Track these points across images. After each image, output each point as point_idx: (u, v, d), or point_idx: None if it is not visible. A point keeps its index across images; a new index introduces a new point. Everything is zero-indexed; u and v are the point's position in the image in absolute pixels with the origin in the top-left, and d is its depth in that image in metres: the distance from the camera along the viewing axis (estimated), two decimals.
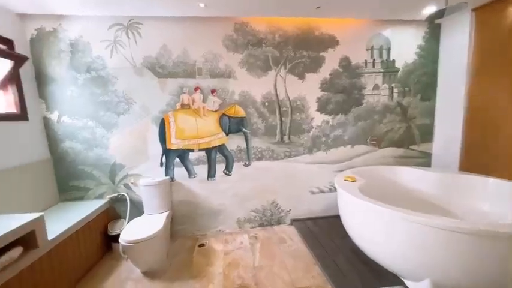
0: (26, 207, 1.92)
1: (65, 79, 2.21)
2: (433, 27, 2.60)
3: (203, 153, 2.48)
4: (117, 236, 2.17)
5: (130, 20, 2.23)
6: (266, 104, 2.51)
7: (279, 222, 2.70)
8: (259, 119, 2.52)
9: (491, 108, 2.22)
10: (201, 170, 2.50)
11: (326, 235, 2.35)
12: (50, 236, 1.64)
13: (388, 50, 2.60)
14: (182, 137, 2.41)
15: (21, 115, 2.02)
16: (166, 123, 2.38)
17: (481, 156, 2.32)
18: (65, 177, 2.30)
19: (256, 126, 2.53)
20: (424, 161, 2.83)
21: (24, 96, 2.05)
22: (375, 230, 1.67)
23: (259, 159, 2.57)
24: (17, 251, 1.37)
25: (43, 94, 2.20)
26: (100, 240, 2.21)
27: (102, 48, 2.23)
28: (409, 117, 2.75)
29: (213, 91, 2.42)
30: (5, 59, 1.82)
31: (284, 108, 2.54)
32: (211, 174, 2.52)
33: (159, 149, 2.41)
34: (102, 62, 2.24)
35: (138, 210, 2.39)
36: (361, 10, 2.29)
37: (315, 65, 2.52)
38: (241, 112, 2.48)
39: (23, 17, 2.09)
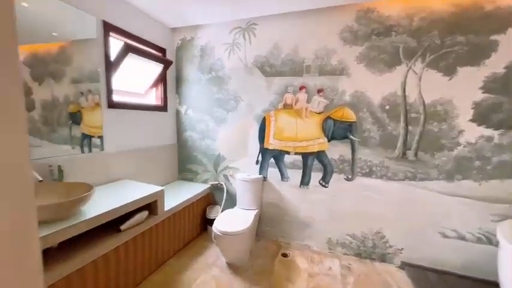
0: (156, 179, 2.44)
1: (193, 79, 2.64)
2: None
3: (299, 157, 2.29)
4: (213, 220, 2.38)
5: (248, 22, 2.34)
6: (387, 107, 1.98)
7: (382, 259, 2.10)
8: (374, 126, 2.03)
9: None
10: (294, 175, 2.32)
11: None
12: (167, 207, 1.96)
13: None
14: (280, 137, 2.32)
15: (163, 107, 2.57)
16: (267, 122, 2.36)
17: None
18: (183, 160, 2.78)
19: (368, 134, 2.05)
20: None
21: (167, 93, 2.60)
22: None
23: (366, 174, 2.08)
24: (144, 214, 1.70)
25: (178, 91, 2.72)
26: (199, 220, 2.50)
27: (223, 51, 2.48)
28: None
29: (319, 91, 2.16)
30: (159, 63, 2.34)
31: (414, 115, 1.91)
32: (304, 181, 2.29)
33: (257, 147, 2.43)
34: (221, 63, 2.50)
35: (232, 201, 2.53)
36: None
37: (478, 54, 1.72)
38: (350, 116, 2.08)
39: (173, 30, 2.65)
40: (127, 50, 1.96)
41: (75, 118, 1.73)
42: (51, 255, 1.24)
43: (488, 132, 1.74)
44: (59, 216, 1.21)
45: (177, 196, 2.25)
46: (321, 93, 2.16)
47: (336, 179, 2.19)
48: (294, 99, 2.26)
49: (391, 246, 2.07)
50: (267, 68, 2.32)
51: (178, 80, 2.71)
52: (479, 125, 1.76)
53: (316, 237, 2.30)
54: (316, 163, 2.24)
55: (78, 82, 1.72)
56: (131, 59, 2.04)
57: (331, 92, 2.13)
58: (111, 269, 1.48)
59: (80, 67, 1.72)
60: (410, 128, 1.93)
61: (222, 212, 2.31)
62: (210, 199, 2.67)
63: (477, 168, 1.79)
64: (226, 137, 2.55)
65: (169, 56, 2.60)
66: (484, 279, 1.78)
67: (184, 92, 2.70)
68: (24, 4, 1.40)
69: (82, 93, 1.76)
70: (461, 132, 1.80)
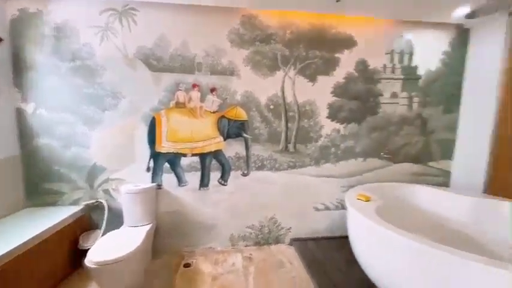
0: None
1: (45, 67, 1.96)
2: (461, 32, 2.34)
3: (196, 159, 2.19)
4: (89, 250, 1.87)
5: (125, 6, 1.99)
6: (271, 107, 2.24)
7: (277, 241, 2.38)
8: (262, 124, 2.25)
9: None
10: (193, 178, 2.21)
11: (332, 260, 2.03)
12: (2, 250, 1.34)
13: (410, 54, 2.34)
14: (174, 139, 2.13)
15: None
16: (157, 122, 2.10)
17: None
18: (35, 179, 2.02)
19: (258, 131, 2.25)
20: (443, 180, 2.53)
21: None
22: (396, 263, 1.37)
23: (259, 168, 2.28)
24: None
25: (18, 82, 1.94)
26: (69, 253, 1.90)
27: (91, 35, 1.98)
28: (429, 131, 2.46)
29: (212, 90, 2.15)
30: None
31: (291, 113, 2.26)
32: (204, 183, 2.22)
33: (147, 151, 2.12)
34: (89, 50, 1.99)
35: (117, 220, 2.08)
36: (385, 8, 2.04)
37: (328, 67, 2.26)
38: (242, 115, 2.20)
39: None
40: None
41: None
42: None
43: (337, 126, 2.33)
44: None
45: (23, 232, 1.59)
46: (214, 92, 2.15)
47: (234, 176, 2.26)
48: (187, 98, 2.13)
49: (282, 228, 2.37)
50: (154, 62, 2.06)
51: (18, 67, 1.93)
52: (332, 120, 2.32)
53: (220, 237, 2.30)
54: (214, 163, 2.23)
55: None
56: None
57: (224, 92, 2.17)
58: None
59: None
60: (289, 124, 2.28)
61: (103, 236, 1.85)
62: (85, 223, 2.09)
63: (332, 153, 2.35)
64: (104, 142, 2.07)
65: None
66: (343, 235, 2.37)
67: (29, 84, 1.95)
68: None
69: None
70: (322, 126, 2.31)
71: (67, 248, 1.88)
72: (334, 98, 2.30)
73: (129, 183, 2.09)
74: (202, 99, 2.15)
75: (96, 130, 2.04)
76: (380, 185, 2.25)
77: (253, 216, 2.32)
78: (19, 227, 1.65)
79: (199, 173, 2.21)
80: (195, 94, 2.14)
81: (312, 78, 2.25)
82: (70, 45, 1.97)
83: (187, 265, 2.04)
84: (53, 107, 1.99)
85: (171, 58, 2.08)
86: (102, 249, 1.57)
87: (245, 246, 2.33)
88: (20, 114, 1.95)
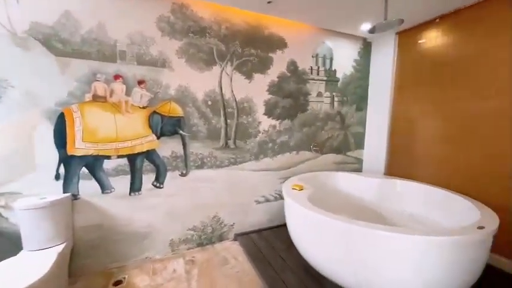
0: None
1: None
2: (366, 44, 2.85)
3: (124, 160, 1.92)
4: None
5: None
6: (209, 103, 2.17)
7: (221, 238, 2.36)
8: (200, 120, 2.16)
9: (409, 118, 2.54)
10: (121, 183, 1.93)
11: (273, 249, 2.16)
12: None
13: (331, 59, 2.70)
14: (93, 139, 1.80)
15: None
16: (67, 119, 1.72)
17: (403, 161, 2.63)
18: None
19: (196, 128, 2.15)
20: (357, 166, 3.06)
21: None
22: (322, 241, 1.58)
23: (199, 167, 2.19)
24: None
25: None
26: None
27: None
28: (346, 125, 2.92)
29: (140, 82, 1.91)
30: None
31: (230, 110, 2.26)
32: (135, 187, 1.97)
33: (55, 155, 1.72)
34: None
35: (13, 245, 1.61)
36: (309, 15, 2.27)
37: (263, 65, 2.35)
38: (178, 111, 2.06)
39: None
40: None
41: None
42: None
43: (273, 122, 2.48)
44: None
45: None
46: (142, 85, 1.92)
47: (171, 177, 2.10)
48: (108, 90, 1.83)
49: (225, 225, 2.37)
50: (57, 44, 1.67)
51: None
52: (268, 117, 2.44)
53: (157, 244, 2.10)
54: (147, 164, 2.00)
55: None
56: None
57: (155, 85, 1.97)
58: None
59: None
60: (228, 121, 2.27)
61: None
62: None
63: (270, 148, 2.49)
64: None
65: None
66: (280, 224, 2.55)
67: None
68: None
69: None
70: (260, 123, 2.41)
71: None
72: (270, 96, 2.43)
73: (28, 196, 1.64)
74: (127, 92, 1.89)
75: None
76: (311, 175, 2.53)
77: (194, 217, 2.22)
78: None
79: (129, 177, 1.95)
80: (119, 86, 1.86)
81: (249, 76, 2.30)
82: None
83: (117, 283, 1.78)
84: None
85: (83, 42, 1.73)
86: None
87: (187, 249, 2.21)
88: None
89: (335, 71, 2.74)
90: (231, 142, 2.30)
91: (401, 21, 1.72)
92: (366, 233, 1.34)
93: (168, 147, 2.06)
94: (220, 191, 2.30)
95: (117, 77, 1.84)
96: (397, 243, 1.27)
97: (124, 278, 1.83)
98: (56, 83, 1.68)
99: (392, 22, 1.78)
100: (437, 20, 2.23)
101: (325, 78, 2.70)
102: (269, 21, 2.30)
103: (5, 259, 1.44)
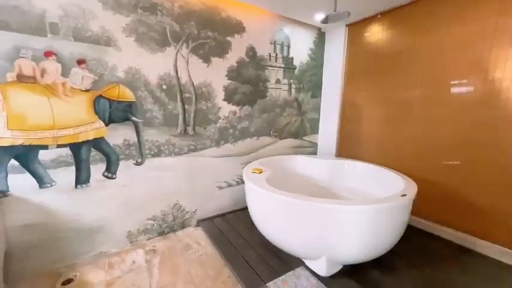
0: None
1: None
2: (321, 34, 3.01)
3: (66, 150, 1.72)
4: None
5: None
6: (164, 87, 2.05)
7: (183, 225, 2.35)
8: (155, 106, 2.03)
9: (357, 105, 2.83)
10: (63, 175, 1.73)
11: (235, 231, 2.25)
12: None
13: (288, 47, 2.78)
14: (21, 127, 1.55)
15: None
16: None
17: (351, 143, 2.94)
18: None
19: (151, 114, 2.02)
20: (313, 150, 3.31)
21: None
22: (279, 219, 1.71)
23: (156, 155, 2.09)
24: None
25: None
26: None
27: None
28: (302, 112, 3.10)
29: (80, 62, 1.69)
30: None
31: (187, 95, 2.18)
32: (81, 179, 1.80)
33: None
34: None
35: None
36: (269, 1, 2.27)
37: (221, 49, 2.30)
38: (128, 95, 1.90)
39: None
40: None
41: None
42: None
43: (233, 108, 2.48)
44: None
45: None
46: (83, 65, 1.70)
47: (125, 166, 1.96)
48: (38, 70, 1.58)
49: (187, 212, 2.35)
50: None
51: None
52: (228, 103, 2.44)
53: (112, 238, 1.98)
54: (94, 153, 1.83)
55: None
56: None
57: (99, 66, 1.77)
58: None
59: None
60: (186, 106, 2.19)
61: None
62: None
63: (231, 134, 2.51)
64: None
65: None
66: (243, 207, 2.65)
67: None
68: None
69: None
70: (219, 109, 2.39)
71: None
72: (229, 81, 2.41)
73: None
74: (65, 73, 1.66)
75: None
76: (270, 159, 2.65)
77: (153, 206, 2.14)
78: None
79: (73, 168, 1.76)
80: (52, 65, 1.61)
81: (206, 59, 2.23)
82: None
83: (67, 282, 1.65)
84: None
85: None
86: None
87: (147, 239, 2.15)
88: None
89: (292, 58, 2.84)
90: (190, 129, 2.24)
91: (348, 13, 1.86)
92: (315, 207, 1.50)
93: (119, 135, 1.91)
94: (180, 179, 2.25)
95: (48, 53, 1.59)
96: (339, 213, 1.46)
97: (75, 276, 1.71)
98: None
99: (341, 14, 1.92)
100: (379, 16, 2.47)
101: (283, 65, 2.78)
102: (226, 3, 2.23)
103: None
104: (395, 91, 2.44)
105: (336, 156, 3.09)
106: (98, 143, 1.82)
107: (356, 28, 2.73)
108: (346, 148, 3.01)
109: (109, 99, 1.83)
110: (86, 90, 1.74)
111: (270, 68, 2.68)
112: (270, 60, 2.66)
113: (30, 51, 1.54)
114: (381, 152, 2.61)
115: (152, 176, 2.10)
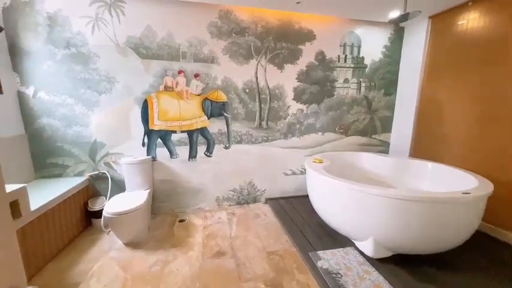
0: None
1: (41, 53, 2.16)
2: (398, 30, 2.93)
3: (185, 135, 2.60)
4: (97, 212, 2.26)
5: None
6: (247, 90, 2.68)
7: (254, 200, 2.94)
8: (239, 105, 2.69)
9: (437, 102, 2.62)
10: (183, 151, 2.63)
11: (296, 211, 2.64)
12: (32, 208, 1.69)
13: (359, 47, 2.89)
14: (165, 118, 2.50)
15: None
16: (149, 104, 2.44)
17: (428, 143, 2.74)
18: (41, 154, 2.29)
19: (236, 111, 2.69)
20: (383, 149, 3.23)
21: None
22: (333, 201, 1.98)
23: (238, 142, 2.76)
24: None
25: (17, 67, 2.13)
26: (80, 215, 2.27)
27: (83, 25, 2.20)
28: (372, 110, 3.10)
29: (196, 75, 2.52)
30: None
31: (263, 96, 2.73)
32: (192, 155, 2.65)
33: (141, 129, 2.47)
34: (82, 38, 2.22)
35: (119, 187, 2.47)
36: (337, 8, 2.51)
37: (293, 56, 2.72)
38: (223, 97, 2.62)
39: None
40: None
41: None
42: None
43: (301, 106, 2.86)
44: None
45: (42, 196, 1.92)
46: (197, 78, 2.52)
47: (217, 148, 2.72)
48: (174, 82, 2.48)
49: (258, 190, 2.93)
50: (143, 50, 2.36)
51: (15, 54, 2.11)
52: (297, 102, 2.84)
53: (207, 199, 2.79)
54: (200, 138, 2.65)
55: None
56: None
57: (206, 77, 2.55)
58: None
59: None
60: (262, 105, 2.75)
61: (109, 199, 2.24)
62: (91, 191, 2.44)
63: (298, 129, 2.90)
64: (102, 122, 2.37)
65: None
66: (305, 194, 2.99)
67: (27, 69, 2.16)
68: None
69: None
70: (289, 107, 2.82)
71: (78, 211, 2.24)
72: (299, 83, 2.80)
73: (127, 156, 2.45)
74: (187, 83, 2.51)
75: (95, 111, 2.34)
76: (333, 153, 2.86)
77: (234, 181, 2.83)
78: (35, 193, 1.97)
79: (188, 147, 2.63)
80: (181, 79, 2.49)
81: (280, 66, 2.71)
82: (63, 33, 2.18)
83: (181, 221, 2.52)
84: (52, 90, 2.23)
85: (158, 47, 2.38)
86: (115, 205, 1.98)
87: (229, 205, 2.86)
88: (21, 97, 2.17)
89: (363, 58, 2.92)
90: (264, 123, 2.79)
91: (419, 12, 1.88)
92: (362, 191, 1.70)
93: (215, 126, 2.67)
94: (255, 163, 2.84)
95: (180, 72, 2.47)
96: (384, 200, 1.61)
97: (185, 218, 2.57)
98: (142, 78, 2.39)
99: (415, 13, 1.95)
100: (470, 3, 2.24)
101: (352, 65, 2.91)
102: (299, 17, 2.63)
103: (117, 194, 2.26)
104: (492, 86, 2.15)
105: (410, 156, 2.93)
106: (203, 131, 2.64)
107: (441, 19, 2.53)
108: (423, 148, 2.81)
109: (211, 100, 2.59)
110: (198, 95, 2.56)
111: (339, 68, 2.89)
112: (338, 61, 2.86)
113: (171, 71, 2.45)
114: (470, 155, 2.32)
115: (235, 158, 2.78)
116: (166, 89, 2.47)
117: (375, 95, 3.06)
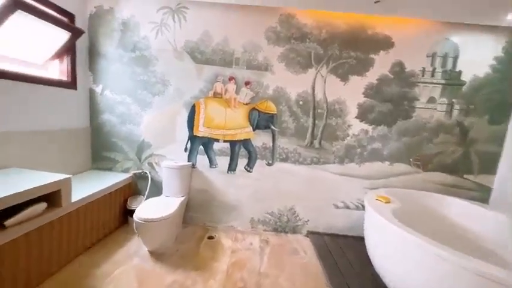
0: (59, 168, 2.07)
1: (112, 56, 2.35)
2: None
3: (227, 145, 2.42)
4: (134, 211, 2.24)
5: (178, 4, 2.26)
6: (300, 103, 2.35)
7: (294, 231, 2.51)
8: (290, 118, 2.37)
9: None
10: (223, 162, 2.45)
11: (344, 255, 2.10)
12: (74, 199, 1.73)
13: (455, 58, 2.22)
14: (209, 125, 2.39)
15: (71, 84, 2.19)
16: (196, 109, 2.38)
17: None
18: (99, 147, 2.46)
19: (286, 125, 2.38)
20: (480, 195, 2.36)
21: (76, 67, 2.22)
22: (402, 260, 1.41)
23: (283, 160, 2.42)
24: (41, 207, 1.46)
25: (92, 67, 2.36)
26: (119, 212, 2.30)
27: (149, 30, 2.31)
28: (469, 141, 2.32)
29: (247, 83, 2.34)
30: (65, 31, 1.97)
31: (319, 110, 2.34)
32: (232, 167, 2.45)
33: (186, 133, 2.42)
34: (147, 42, 2.32)
35: (157, 190, 2.44)
36: (429, 8, 1.97)
37: (362, 67, 2.27)
38: (272, 108, 2.36)
39: None
40: (14, 5, 1.57)
41: None
42: None
43: (366, 126, 2.34)
44: None
45: (89, 187, 2.00)
46: (248, 86, 2.34)
47: (259, 164, 2.44)
48: (224, 89, 2.36)
49: (300, 219, 2.49)
50: (198, 55, 2.32)
51: (93, 55, 2.35)
52: (361, 121, 2.34)
53: (241, 218, 2.52)
54: (242, 150, 2.43)
55: None
56: (22, 18, 1.65)
57: (257, 85, 2.34)
58: None
59: None
60: (317, 121, 2.36)
61: (145, 200, 2.20)
62: (132, 189, 2.49)
63: (358, 154, 2.38)
64: (151, 123, 2.41)
65: (80, 24, 2.21)
66: (359, 235, 2.40)
67: (100, 70, 2.37)
68: None
69: None
70: (349, 126, 2.35)
71: (118, 207, 2.29)
72: (365, 99, 2.31)
73: (169, 159, 2.42)
74: (237, 91, 2.35)
75: (147, 111, 2.40)
76: (405, 191, 2.22)
77: (273, 203, 2.48)
78: (86, 183, 2.07)
79: (228, 158, 2.44)
80: (231, 86, 2.35)
81: (344, 78, 2.29)
82: (132, 38, 2.33)
83: (210, 237, 2.31)
84: (116, 89, 2.38)
85: (213, 52, 2.31)
86: (146, 210, 1.90)
87: (264, 230, 2.52)
88: (91, 93, 2.39)
89: (459, 72, 2.23)
90: (316, 142, 2.38)
91: None
92: (465, 264, 1.12)
93: (260, 139, 2.41)
94: (299, 186, 2.44)
95: (231, 78, 2.34)
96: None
97: (215, 235, 2.35)
98: (193, 83, 2.35)
99: None
100: None
101: (442, 81, 2.25)
102: (374, 21, 2.19)
103: (154, 196, 2.22)
104: None
105: None
106: (246, 143, 2.41)
107: None
108: None
109: (259, 111, 2.36)
110: (246, 104, 2.37)
111: (422, 84, 2.27)
112: (423, 75, 2.25)
113: (222, 77, 2.34)
114: None
115: (278, 177, 2.44)
116: (215, 95, 2.37)
117: (474, 121, 2.28)
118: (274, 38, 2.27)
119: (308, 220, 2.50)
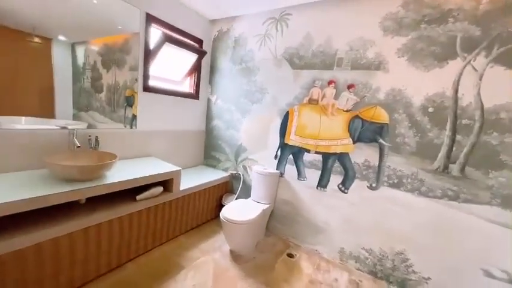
0: (182, 161, 2.63)
1: (225, 69, 2.72)
2: None
3: (319, 157, 2.14)
4: None
5: (282, 12, 2.26)
6: (430, 110, 1.66)
7: (402, 285, 1.81)
8: (410, 131, 1.74)
9: None
10: (312, 176, 2.19)
11: None
12: (182, 187, 2.11)
13: None
14: (301, 134, 2.21)
15: (195, 95, 2.74)
16: (289, 116, 2.27)
17: None
18: (209, 147, 2.93)
19: (402, 139, 1.77)
20: None
21: (200, 82, 2.75)
22: None
23: (394, 185, 1.81)
24: (158, 190, 1.87)
25: (211, 81, 2.85)
26: (215, 205, 2.61)
27: (254, 42, 2.47)
28: None
29: (350, 86, 1.96)
30: (194, 53, 2.49)
31: (465, 121, 1.56)
32: (322, 183, 2.13)
33: (277, 141, 2.37)
34: (251, 54, 2.50)
35: (247, 192, 2.56)
36: None
37: None
38: (383, 117, 1.83)
39: (212, 22, 2.76)
40: (164, 39, 2.14)
41: (130, 101, 2.05)
42: (78, 209, 1.49)
43: None
44: (85, 176, 1.44)
45: (196, 179, 2.39)
46: (351, 89, 1.95)
47: (358, 185, 1.97)
48: (321, 94, 2.11)
49: (415, 273, 1.76)
50: (296, 60, 2.22)
51: (212, 70, 2.83)
52: None
53: (328, 244, 2.13)
54: (337, 165, 2.06)
55: (134, 70, 2.01)
56: (168, 48, 2.23)
57: (363, 89, 1.90)
58: (125, 232, 1.69)
59: (136, 56, 2.00)
60: (458, 137, 1.58)
61: (235, 199, 2.36)
62: (228, 187, 2.76)
63: None
64: (248, 128, 2.57)
65: (206, 47, 2.73)
66: None
67: (216, 82, 2.81)
68: (94, 1, 1.67)
69: (136, 80, 2.05)
70: None
71: (214, 201, 2.60)
72: None
73: (260, 165, 2.47)
74: (336, 96, 2.03)
75: (246, 118, 2.58)
76: None
77: (373, 239, 1.92)
78: (196, 175, 2.50)
79: (319, 172, 2.15)
80: (330, 91, 2.05)
81: None
82: (240, 52, 2.58)
83: (290, 255, 2.11)
84: (225, 98, 2.74)
85: (312, 55, 2.12)
86: (232, 210, 2.02)
87: (356, 268, 2.00)
88: (209, 102, 2.89)
89: None
90: (455, 167, 1.60)
91: None
92: None
93: (362, 154, 1.94)
94: (417, 227, 1.74)
95: (330, 82, 2.04)
96: None
97: (295, 255, 2.13)
98: (289, 89, 2.27)
99: None
100: None
101: None
102: None
103: (243, 198, 2.33)
104: None
105: None
106: (342, 157, 2.02)
107: None
108: None
109: (363, 120, 1.91)
110: (347, 111, 1.99)
111: None
112: None
113: (320, 81, 2.09)
114: None
115: (382, 207, 1.86)
116: (311, 101, 2.16)
117: None
118: (394, 26, 1.75)
119: (429, 278, 1.72)
